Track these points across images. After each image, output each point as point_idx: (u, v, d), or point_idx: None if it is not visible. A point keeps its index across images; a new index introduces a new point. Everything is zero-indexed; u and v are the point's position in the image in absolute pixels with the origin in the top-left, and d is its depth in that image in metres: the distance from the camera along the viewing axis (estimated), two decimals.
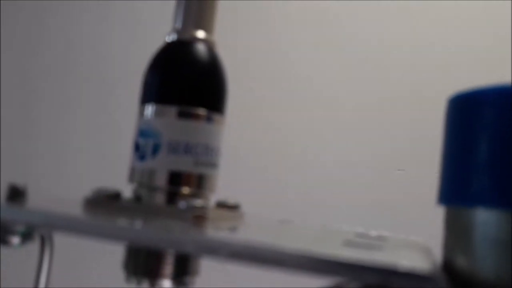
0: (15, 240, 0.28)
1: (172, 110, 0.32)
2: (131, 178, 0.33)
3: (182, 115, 0.32)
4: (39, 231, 0.30)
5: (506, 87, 0.25)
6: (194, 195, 0.32)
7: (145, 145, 0.31)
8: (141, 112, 0.33)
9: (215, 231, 0.25)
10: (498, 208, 0.24)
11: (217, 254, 0.20)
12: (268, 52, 0.98)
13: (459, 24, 0.93)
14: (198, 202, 0.29)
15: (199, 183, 0.32)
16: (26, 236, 0.29)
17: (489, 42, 0.89)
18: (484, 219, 0.24)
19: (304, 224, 0.36)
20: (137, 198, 0.32)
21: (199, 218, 0.28)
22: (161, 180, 0.31)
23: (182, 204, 0.30)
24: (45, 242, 0.32)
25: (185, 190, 0.32)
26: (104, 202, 0.31)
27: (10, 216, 0.26)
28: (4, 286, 1.01)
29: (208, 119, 0.32)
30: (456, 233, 0.26)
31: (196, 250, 0.20)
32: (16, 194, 0.28)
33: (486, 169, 0.25)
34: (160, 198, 0.32)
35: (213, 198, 0.34)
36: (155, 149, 0.31)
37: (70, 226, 0.23)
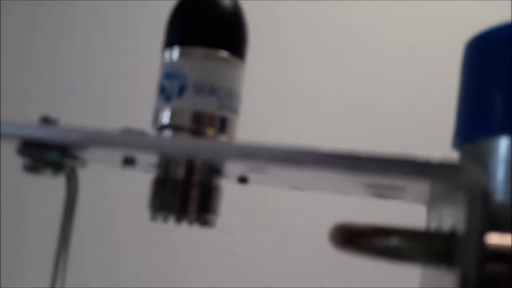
0: (47, 169, 0.29)
1: (198, 52, 0.33)
2: (155, 120, 0.34)
3: (206, 57, 0.33)
4: (71, 160, 0.31)
5: None
6: (217, 137, 0.33)
7: (171, 86, 0.33)
8: (164, 57, 0.34)
9: None
10: None
11: (258, 158, 0.21)
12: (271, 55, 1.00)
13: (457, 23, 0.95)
14: (224, 138, 0.31)
15: (222, 126, 0.33)
16: (57, 167, 0.30)
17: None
18: (500, 146, 0.26)
19: None
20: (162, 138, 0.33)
21: None
22: (186, 120, 0.33)
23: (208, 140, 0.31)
24: (71, 178, 0.33)
25: (209, 131, 0.33)
26: None
27: (48, 134, 0.27)
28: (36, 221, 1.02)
29: (231, 63, 0.34)
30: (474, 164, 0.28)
31: (239, 155, 0.21)
32: (46, 122, 0.29)
33: (502, 103, 0.27)
34: (184, 138, 0.33)
35: None
36: (181, 90, 0.32)
37: (108, 140, 0.24)
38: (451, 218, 0.25)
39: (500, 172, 0.26)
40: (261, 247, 0.93)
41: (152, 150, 0.24)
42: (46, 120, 0.29)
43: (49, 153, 0.28)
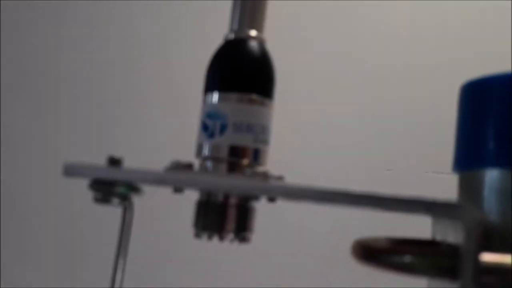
0: (115, 200, 0.35)
1: (234, 96, 0.39)
2: (199, 152, 0.40)
3: (242, 100, 0.39)
4: (133, 192, 0.36)
5: (508, 75, 0.33)
6: (251, 166, 0.39)
7: (214, 125, 0.38)
8: (206, 99, 0.40)
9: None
10: (502, 168, 0.31)
11: (295, 198, 0.27)
12: None
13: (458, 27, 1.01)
14: (260, 169, 0.36)
15: (255, 156, 0.39)
16: (124, 198, 0.36)
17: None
18: (491, 177, 0.32)
19: None
20: (205, 168, 0.39)
21: (265, 180, 0.36)
22: (224, 153, 0.38)
23: (248, 171, 0.37)
24: (127, 206, 0.39)
25: (245, 161, 0.39)
26: (180, 170, 0.38)
27: (112, 175, 0.33)
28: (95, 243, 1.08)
29: (263, 103, 0.39)
30: (469, 190, 0.34)
31: (285, 195, 0.27)
32: (114, 162, 0.35)
33: (492, 140, 0.32)
34: (224, 168, 0.39)
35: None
36: (223, 128, 0.38)
37: (167, 180, 0.30)
38: (453, 234, 0.31)
39: (492, 199, 0.31)
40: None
41: (202, 188, 0.29)
42: (113, 160, 0.34)
43: (117, 188, 0.34)
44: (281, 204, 0.42)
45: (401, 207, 0.25)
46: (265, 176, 0.36)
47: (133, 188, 0.35)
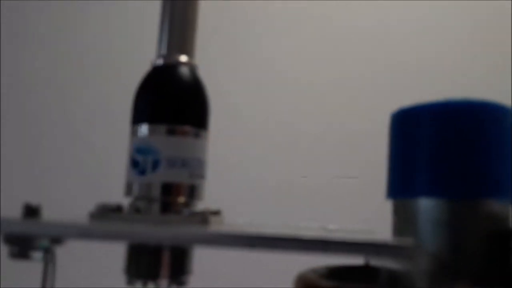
0: (37, 254, 0.31)
1: (165, 128, 0.36)
2: (129, 191, 0.36)
3: (174, 133, 0.36)
4: (52, 245, 0.32)
5: (439, 104, 0.32)
6: (187, 204, 0.36)
7: (144, 161, 0.35)
8: (134, 131, 0.36)
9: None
10: (435, 197, 0.31)
11: (250, 246, 0.24)
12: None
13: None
14: (198, 207, 0.34)
15: (191, 193, 0.36)
16: (46, 250, 0.31)
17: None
18: (425, 206, 0.31)
19: (275, 224, 0.42)
20: (137, 209, 0.36)
21: (203, 221, 0.33)
22: (157, 191, 0.35)
23: (185, 211, 0.34)
24: (48, 261, 0.35)
25: (181, 199, 0.36)
26: (108, 215, 0.34)
27: (27, 230, 0.29)
28: None
29: (196, 135, 0.37)
30: (404, 218, 0.33)
31: (229, 244, 0.25)
32: (31, 212, 0.31)
33: (424, 169, 0.32)
34: (157, 208, 0.36)
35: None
36: (155, 165, 0.35)
37: (87, 233, 0.27)
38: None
39: (428, 228, 0.31)
40: None
41: (134, 241, 0.26)
42: (29, 210, 0.30)
43: (37, 241, 0.30)
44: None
45: (350, 251, 0.23)
46: (204, 217, 0.34)
47: (56, 239, 0.31)
